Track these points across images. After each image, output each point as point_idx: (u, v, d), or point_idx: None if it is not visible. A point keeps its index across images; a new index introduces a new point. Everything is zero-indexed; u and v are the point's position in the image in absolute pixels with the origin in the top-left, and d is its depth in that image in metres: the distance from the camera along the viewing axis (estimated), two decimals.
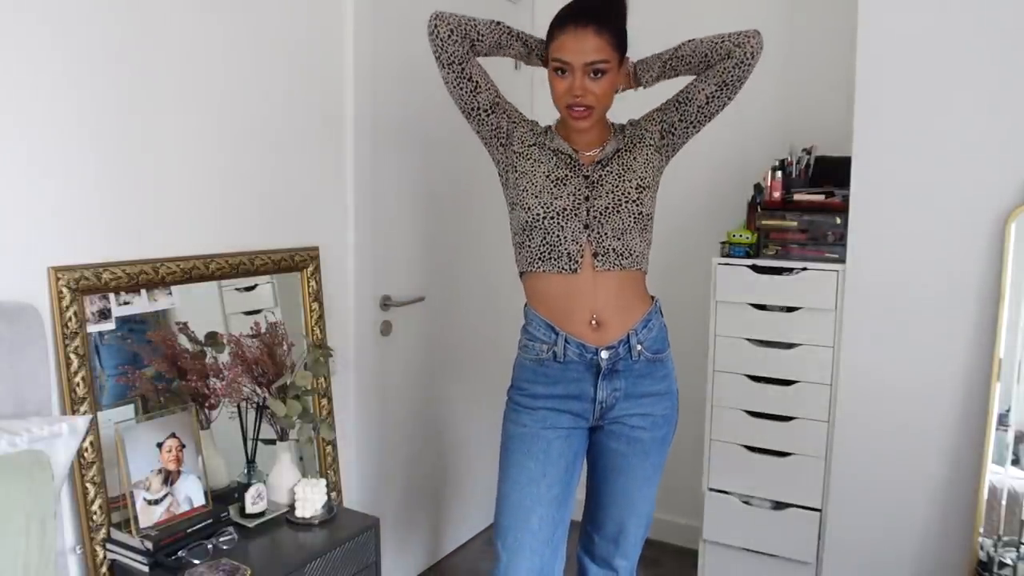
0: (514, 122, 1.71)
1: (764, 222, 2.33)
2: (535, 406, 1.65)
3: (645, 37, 2.83)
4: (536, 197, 1.62)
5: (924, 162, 2.06)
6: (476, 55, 1.67)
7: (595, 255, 1.60)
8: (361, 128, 2.25)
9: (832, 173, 2.31)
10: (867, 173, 2.14)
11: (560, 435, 1.64)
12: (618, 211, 1.60)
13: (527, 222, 1.62)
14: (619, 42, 1.59)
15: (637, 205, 1.62)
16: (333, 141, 2.21)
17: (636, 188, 1.63)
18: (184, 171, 1.80)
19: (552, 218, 1.60)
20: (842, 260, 2.20)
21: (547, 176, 1.63)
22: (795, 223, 2.28)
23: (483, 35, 1.64)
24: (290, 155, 2.07)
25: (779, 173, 2.32)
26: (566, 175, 1.63)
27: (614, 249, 1.60)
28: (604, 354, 1.60)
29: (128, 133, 1.67)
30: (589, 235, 1.59)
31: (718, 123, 2.72)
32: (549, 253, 1.61)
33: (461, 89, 1.65)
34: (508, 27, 1.68)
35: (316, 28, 2.12)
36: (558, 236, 1.60)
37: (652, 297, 1.71)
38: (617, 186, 1.62)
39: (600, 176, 1.64)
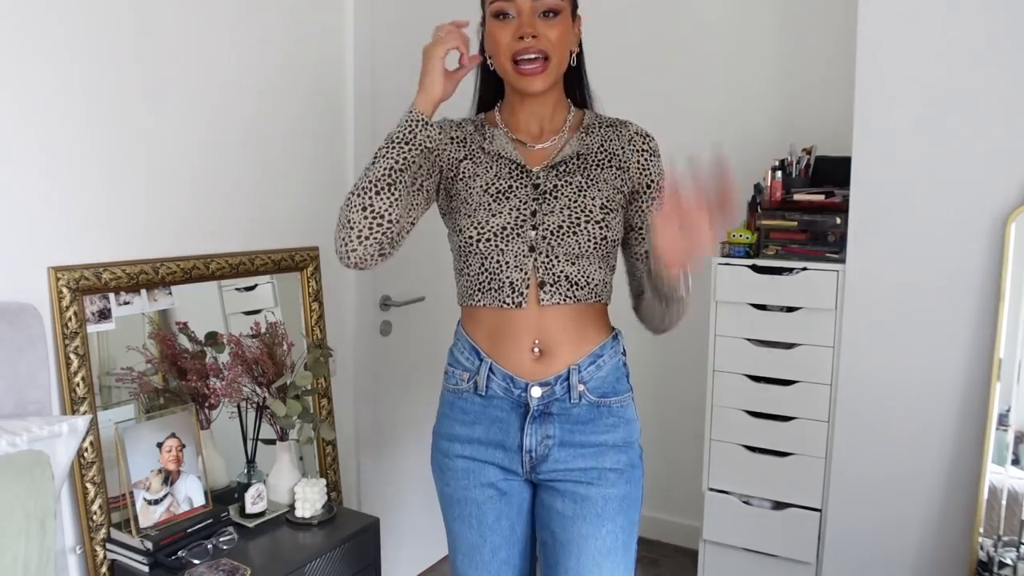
0: (445, 154, 1.37)
1: (764, 222, 2.33)
2: (452, 454, 1.37)
3: (643, 34, 2.84)
4: (469, 217, 1.29)
5: (924, 162, 2.06)
6: (391, 222, 1.24)
7: (541, 285, 1.27)
8: (361, 128, 2.25)
9: (832, 173, 2.31)
10: (867, 173, 2.14)
11: (490, 495, 1.35)
12: (575, 232, 1.27)
13: (460, 246, 1.33)
14: None
15: (601, 228, 1.28)
16: (333, 141, 2.21)
17: (601, 207, 1.29)
18: (184, 171, 1.80)
19: (488, 240, 1.28)
20: (842, 260, 2.20)
21: (485, 190, 1.30)
22: (795, 223, 2.28)
23: (381, 197, 1.22)
24: (290, 155, 2.07)
25: (779, 173, 2.32)
26: (509, 185, 1.30)
27: (567, 276, 1.28)
28: (536, 391, 1.28)
29: (128, 133, 1.67)
30: (536, 260, 1.27)
31: (718, 122, 2.74)
32: (489, 283, 1.29)
33: (417, 214, 1.34)
34: (383, 148, 1.26)
35: (316, 28, 2.12)
36: (497, 261, 1.28)
37: (613, 329, 1.39)
38: (576, 200, 1.28)
39: (555, 185, 1.30)
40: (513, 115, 1.36)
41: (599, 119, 1.38)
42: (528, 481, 1.37)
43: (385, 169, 1.23)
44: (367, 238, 1.23)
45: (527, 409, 1.30)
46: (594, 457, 1.31)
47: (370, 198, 1.22)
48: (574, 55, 1.33)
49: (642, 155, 1.35)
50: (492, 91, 1.40)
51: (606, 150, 1.34)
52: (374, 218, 1.23)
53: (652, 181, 1.35)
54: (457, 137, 1.37)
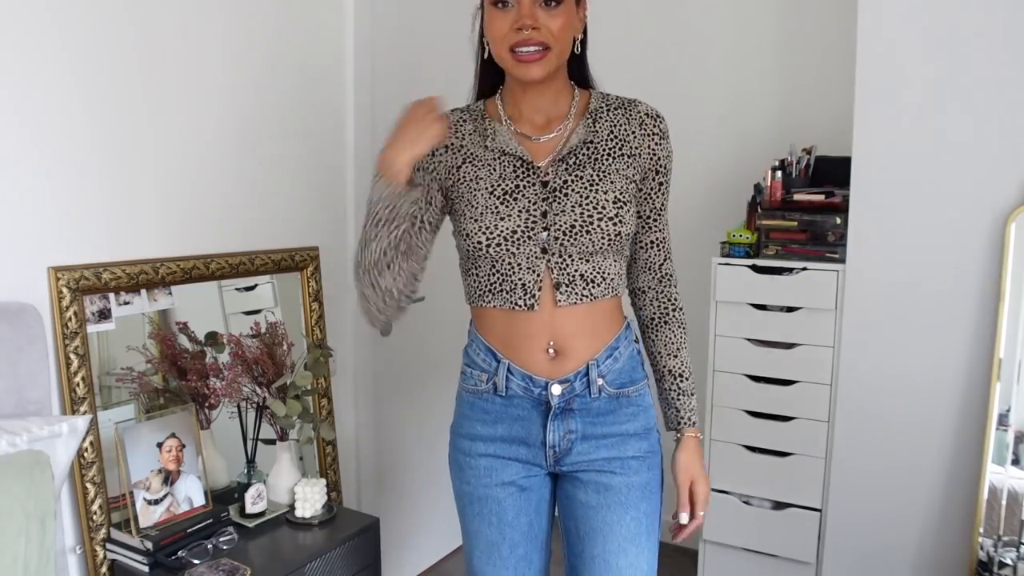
0: (441, 166, 1.31)
1: (764, 222, 2.33)
2: (474, 452, 1.35)
3: (642, 34, 2.84)
4: (476, 221, 1.25)
5: (924, 162, 2.06)
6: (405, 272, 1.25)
7: (557, 286, 1.25)
8: (361, 127, 2.25)
9: (832, 173, 2.31)
10: (867, 173, 2.14)
11: (511, 492, 1.34)
12: (588, 231, 1.23)
13: (468, 250, 1.29)
14: None
15: (614, 224, 1.24)
16: (333, 141, 2.21)
17: (614, 202, 1.25)
18: (184, 171, 1.80)
19: (498, 245, 1.24)
20: (842, 260, 2.20)
21: (491, 192, 1.25)
22: (795, 223, 2.28)
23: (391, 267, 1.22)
24: (290, 155, 2.07)
25: (779, 173, 2.32)
26: (516, 185, 1.25)
27: (581, 275, 1.26)
28: (556, 389, 1.28)
29: (128, 133, 1.67)
30: (548, 261, 1.25)
31: (718, 122, 2.75)
32: (500, 284, 1.27)
33: (430, 247, 1.32)
34: (378, 216, 1.21)
35: (316, 27, 2.12)
36: (509, 264, 1.25)
37: (625, 318, 1.37)
38: (587, 196, 1.24)
39: (564, 181, 1.25)
40: (515, 106, 1.29)
41: (607, 101, 1.31)
42: (550, 474, 1.37)
43: (380, 252, 1.21)
44: (382, 311, 1.27)
45: (548, 406, 1.29)
46: (616, 447, 1.32)
47: (374, 278, 1.23)
48: (578, 42, 1.26)
49: (652, 138, 1.30)
50: (491, 78, 1.33)
51: (616, 136, 1.28)
52: (385, 293, 1.24)
53: (661, 166, 1.31)
54: (453, 145, 1.30)
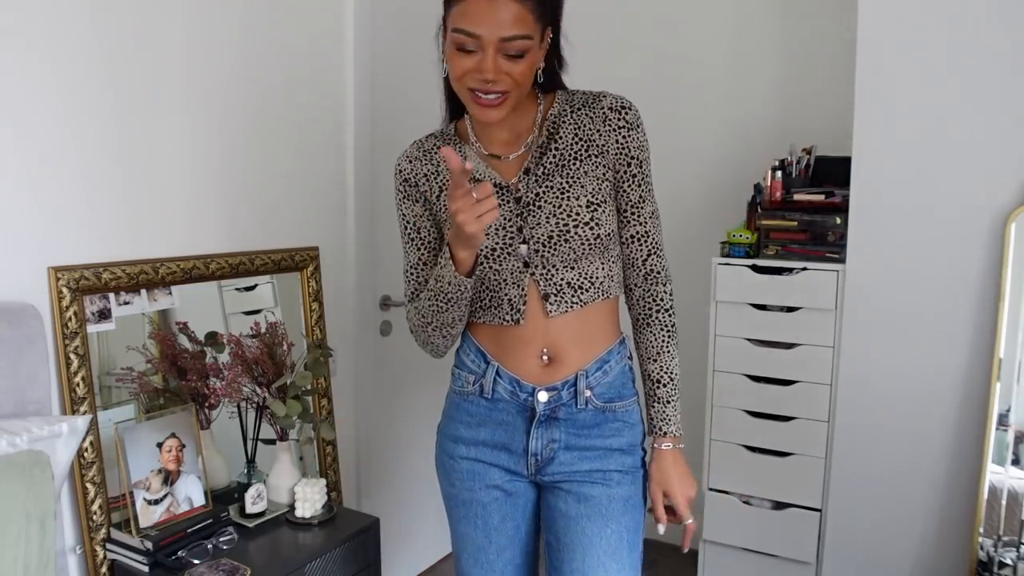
0: (428, 207, 1.33)
1: (764, 222, 2.33)
2: (456, 455, 1.37)
3: (643, 34, 2.84)
4: None
5: (924, 162, 2.06)
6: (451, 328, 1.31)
7: (545, 297, 1.25)
8: (361, 128, 2.25)
9: (832, 173, 2.31)
10: (867, 173, 2.14)
11: (496, 496, 1.35)
12: (566, 239, 1.23)
13: None
14: (544, 9, 1.17)
15: (591, 228, 1.23)
16: (333, 141, 2.21)
17: (587, 206, 1.23)
18: (184, 171, 1.80)
19: (480, 264, 1.25)
20: (842, 260, 2.20)
21: None
22: (795, 223, 2.28)
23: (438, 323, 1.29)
24: (290, 155, 2.07)
25: (779, 173, 2.32)
26: None
27: (568, 283, 1.25)
28: (543, 396, 1.27)
29: (128, 133, 1.67)
30: (533, 273, 1.25)
31: (718, 123, 2.75)
32: (489, 300, 1.29)
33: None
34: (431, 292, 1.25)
35: (316, 28, 2.12)
36: (494, 280, 1.27)
37: (621, 333, 1.36)
38: (560, 205, 1.23)
39: (536, 194, 1.24)
40: (482, 126, 1.28)
41: (571, 102, 1.28)
42: (533, 482, 1.36)
43: (439, 323, 1.29)
44: (444, 348, 1.37)
45: (533, 413, 1.29)
46: (599, 460, 1.30)
47: (436, 339, 1.34)
48: (540, 71, 1.22)
49: (618, 132, 1.25)
50: (459, 99, 1.29)
51: (581, 138, 1.25)
52: (447, 338, 1.33)
53: (632, 157, 1.27)
54: (430, 172, 1.31)
